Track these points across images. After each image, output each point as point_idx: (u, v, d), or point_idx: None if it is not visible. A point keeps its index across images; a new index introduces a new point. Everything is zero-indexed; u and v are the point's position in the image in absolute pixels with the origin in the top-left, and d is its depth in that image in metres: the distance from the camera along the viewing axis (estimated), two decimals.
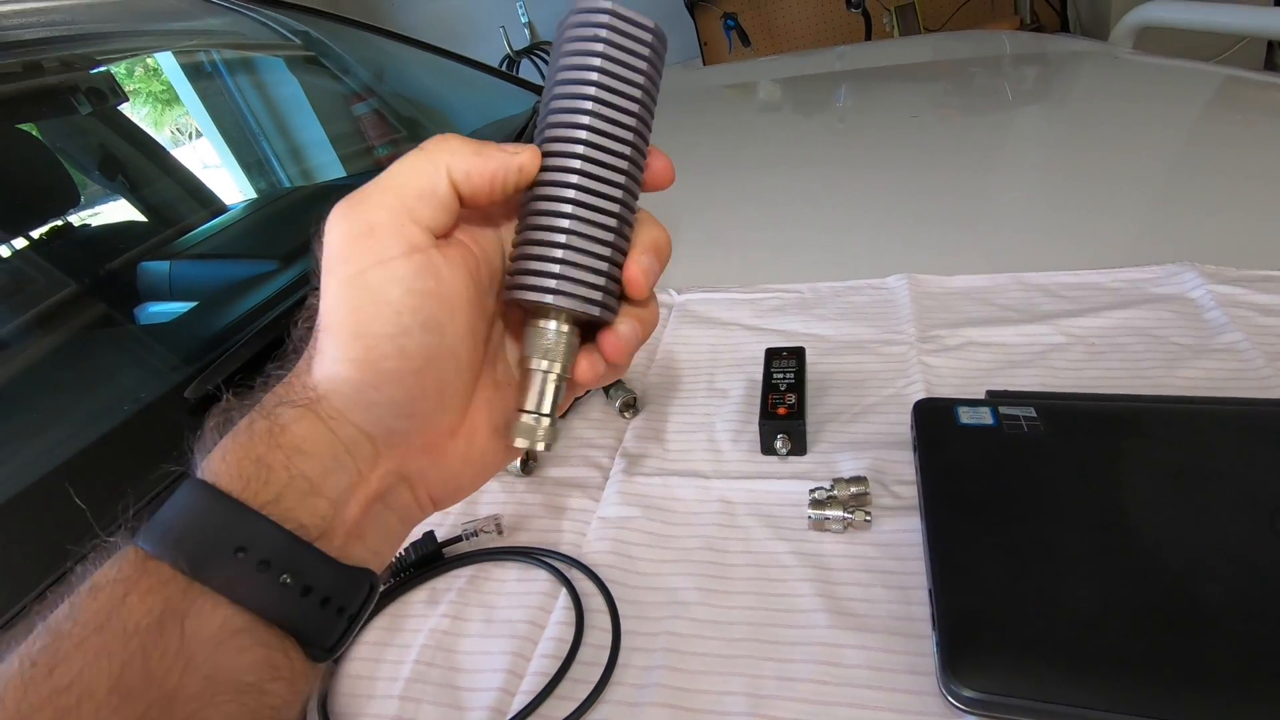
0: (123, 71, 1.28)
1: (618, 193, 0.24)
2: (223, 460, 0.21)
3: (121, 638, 0.18)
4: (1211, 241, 0.59)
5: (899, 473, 0.43)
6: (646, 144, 0.25)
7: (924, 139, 0.94)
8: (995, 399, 0.44)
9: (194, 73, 1.86)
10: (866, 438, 0.47)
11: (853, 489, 0.41)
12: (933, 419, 0.43)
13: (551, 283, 0.23)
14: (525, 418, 0.24)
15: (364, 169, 1.68)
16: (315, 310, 0.23)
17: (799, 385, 0.48)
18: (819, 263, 0.68)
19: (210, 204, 1.41)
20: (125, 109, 1.31)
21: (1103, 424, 0.41)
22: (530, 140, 0.24)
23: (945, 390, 0.49)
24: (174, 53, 1.59)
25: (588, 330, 0.25)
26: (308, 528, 0.21)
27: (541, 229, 0.23)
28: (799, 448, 0.46)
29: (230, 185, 1.82)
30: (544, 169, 0.24)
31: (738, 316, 0.62)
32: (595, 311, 0.24)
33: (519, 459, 0.48)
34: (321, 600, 0.21)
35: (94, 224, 1.22)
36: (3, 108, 0.97)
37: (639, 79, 0.24)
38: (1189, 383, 0.46)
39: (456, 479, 0.25)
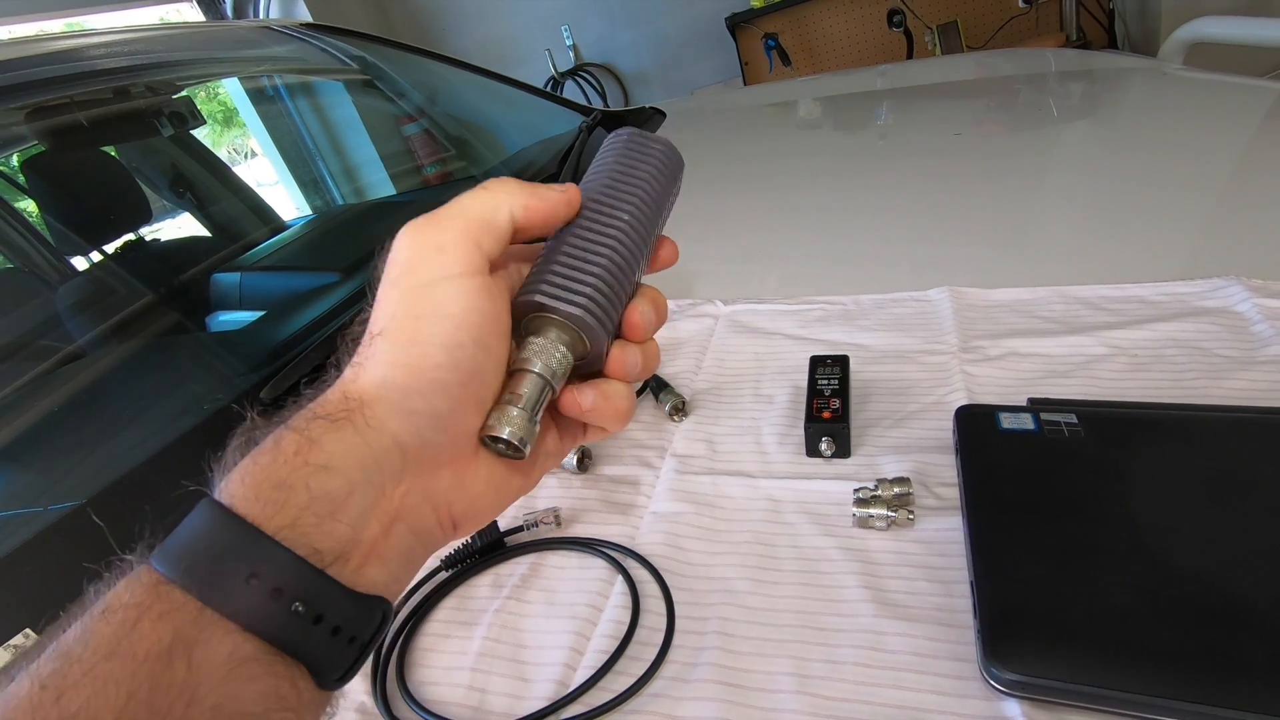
0: (198, 96, 1.37)
1: (637, 261, 0.28)
2: (241, 482, 0.21)
3: (130, 665, 0.18)
4: (1260, 258, 0.59)
5: (941, 475, 0.45)
6: (661, 225, 0.30)
7: (967, 155, 0.95)
8: (1037, 406, 0.46)
9: (258, 96, 1.96)
10: (909, 442, 0.48)
11: (896, 489, 0.43)
12: (975, 424, 0.45)
13: (582, 300, 0.26)
14: (516, 412, 0.25)
15: (412, 187, 1.75)
16: (362, 331, 0.24)
17: (843, 391, 0.50)
18: (862, 276, 0.70)
19: (272, 220, 1.48)
20: (198, 132, 1.39)
21: (1144, 430, 0.42)
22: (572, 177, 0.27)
23: (987, 398, 0.51)
24: (242, 78, 1.69)
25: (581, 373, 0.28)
26: (322, 553, 0.21)
27: (582, 256, 0.26)
28: (843, 450, 0.48)
29: (290, 202, 1.91)
30: (589, 213, 0.27)
31: (782, 327, 0.64)
32: (602, 338, 0.26)
33: (575, 457, 0.51)
34: (333, 629, 0.21)
35: (165, 239, 1.29)
36: (96, 131, 1.04)
37: (674, 186, 0.30)
38: (1234, 394, 0.47)
39: (479, 501, 0.26)
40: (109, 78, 1.06)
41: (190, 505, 0.21)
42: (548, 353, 0.25)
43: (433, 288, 0.23)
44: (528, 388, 0.25)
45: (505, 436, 0.24)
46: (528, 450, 0.25)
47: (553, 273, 0.26)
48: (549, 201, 0.26)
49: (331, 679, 0.21)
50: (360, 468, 0.22)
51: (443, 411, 0.23)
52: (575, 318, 0.25)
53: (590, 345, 0.26)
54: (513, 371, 0.25)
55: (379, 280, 0.24)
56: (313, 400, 0.23)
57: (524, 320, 0.26)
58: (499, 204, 0.25)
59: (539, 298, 0.25)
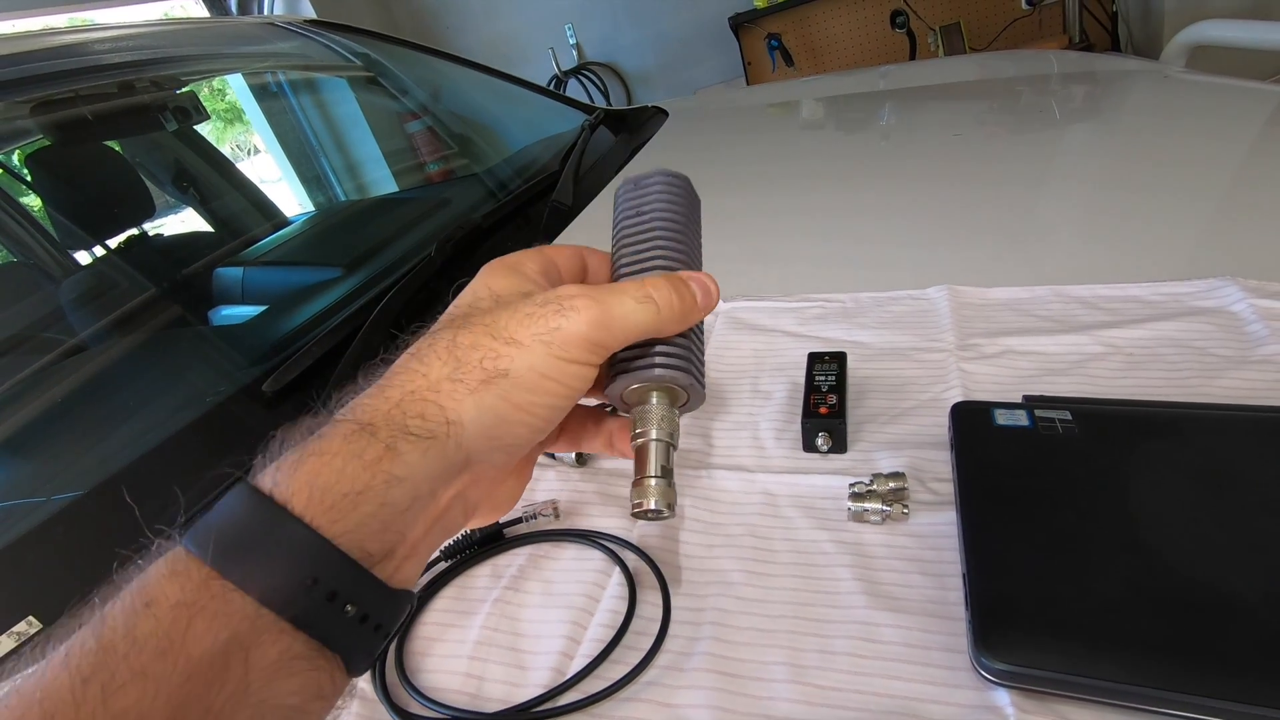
0: (201, 92, 1.37)
1: None
2: (309, 483, 0.21)
3: (185, 666, 0.18)
4: (1259, 260, 0.59)
5: (936, 471, 0.45)
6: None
7: (969, 156, 0.96)
8: (1031, 403, 0.46)
9: (262, 93, 1.96)
10: (905, 438, 0.49)
11: (891, 484, 0.43)
12: (970, 420, 0.45)
13: (689, 368, 0.29)
14: (656, 482, 0.28)
15: (415, 184, 1.75)
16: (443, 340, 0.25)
17: (840, 387, 0.51)
18: (861, 275, 0.70)
19: (274, 216, 1.49)
20: (201, 128, 1.40)
21: (1137, 427, 0.42)
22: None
23: (983, 395, 0.51)
24: (246, 74, 1.69)
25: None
26: (372, 555, 0.22)
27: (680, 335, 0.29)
28: (839, 445, 0.49)
29: (292, 198, 1.92)
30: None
31: (781, 324, 0.64)
32: (702, 393, 0.30)
33: (575, 452, 0.52)
34: (375, 626, 0.22)
35: (168, 233, 1.30)
36: (100, 125, 1.05)
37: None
38: (1228, 392, 0.47)
39: (499, 505, 0.30)
40: (113, 72, 1.07)
41: (227, 489, 0.22)
42: (662, 417, 0.28)
43: (569, 365, 0.25)
44: (659, 456, 0.28)
45: (654, 507, 0.27)
46: (674, 510, 0.28)
47: (659, 350, 0.28)
48: (688, 324, 0.29)
49: (362, 667, 0.22)
50: (428, 479, 0.23)
51: (520, 445, 0.26)
52: (689, 386, 0.28)
53: (691, 400, 0.30)
54: (639, 444, 0.28)
55: (520, 312, 0.26)
56: (397, 406, 0.24)
57: (622, 390, 0.29)
58: (654, 328, 0.27)
59: (659, 371, 0.28)
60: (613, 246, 0.31)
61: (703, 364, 0.30)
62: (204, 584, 0.19)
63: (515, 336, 0.25)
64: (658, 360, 0.28)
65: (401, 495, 0.22)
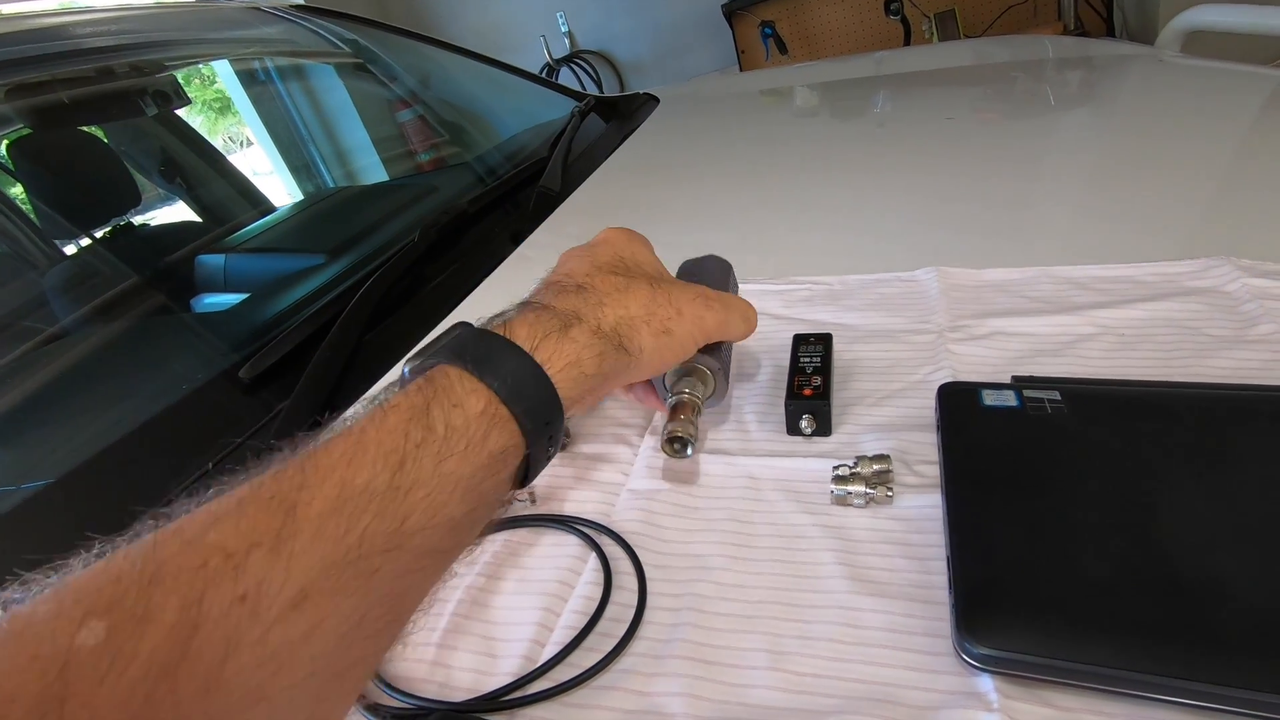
0: (184, 78, 1.35)
1: None
2: (560, 354, 0.32)
3: (485, 459, 0.28)
4: (1253, 241, 0.58)
5: (922, 454, 0.44)
6: None
7: (963, 141, 0.94)
8: (1020, 383, 0.45)
9: (248, 79, 1.94)
10: (891, 420, 0.48)
11: (875, 466, 0.42)
12: (957, 400, 0.44)
13: (719, 359, 0.45)
14: (691, 420, 0.42)
15: (405, 172, 1.73)
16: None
17: (825, 369, 0.50)
18: (851, 259, 0.69)
19: (259, 203, 1.47)
20: (184, 114, 1.37)
21: (1127, 407, 0.41)
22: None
23: (972, 377, 0.50)
24: (231, 60, 1.67)
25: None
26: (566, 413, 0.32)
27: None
28: (824, 428, 0.47)
29: (279, 186, 1.89)
30: None
31: (767, 306, 0.63)
32: (726, 388, 0.47)
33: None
34: (548, 461, 0.33)
35: (152, 222, 1.28)
36: (79, 110, 1.03)
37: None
38: (1221, 372, 0.46)
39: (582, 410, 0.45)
40: (94, 57, 1.05)
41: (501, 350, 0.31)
42: (696, 386, 0.44)
43: (691, 344, 0.41)
44: (689, 410, 0.43)
45: (683, 436, 0.41)
46: (695, 446, 0.42)
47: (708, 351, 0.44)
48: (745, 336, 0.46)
49: (523, 486, 0.32)
50: (614, 380, 0.36)
51: (642, 380, 0.43)
52: (718, 373, 0.45)
53: (717, 388, 0.46)
54: (680, 399, 0.43)
55: (688, 294, 0.40)
56: (610, 321, 0.36)
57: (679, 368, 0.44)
58: (743, 337, 0.46)
59: (703, 356, 0.44)
60: None
61: (729, 370, 0.46)
62: (497, 407, 0.29)
63: (682, 310, 0.39)
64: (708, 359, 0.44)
65: (602, 387, 0.34)
